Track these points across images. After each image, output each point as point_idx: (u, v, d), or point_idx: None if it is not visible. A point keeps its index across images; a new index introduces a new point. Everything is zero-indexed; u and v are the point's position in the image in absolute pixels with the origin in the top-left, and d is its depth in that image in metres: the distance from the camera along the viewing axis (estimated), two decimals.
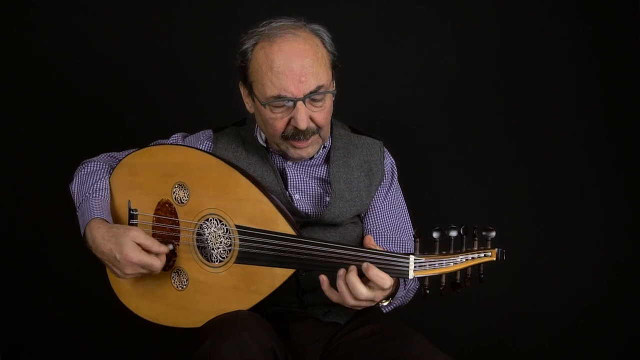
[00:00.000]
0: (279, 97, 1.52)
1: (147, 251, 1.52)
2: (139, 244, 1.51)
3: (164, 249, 1.55)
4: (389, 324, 1.60)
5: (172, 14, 2.46)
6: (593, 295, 2.55)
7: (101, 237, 1.54)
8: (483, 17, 2.49)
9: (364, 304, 1.41)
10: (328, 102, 1.58)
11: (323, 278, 1.42)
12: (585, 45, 2.51)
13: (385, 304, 1.50)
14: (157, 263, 1.53)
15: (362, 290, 1.37)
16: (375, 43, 2.50)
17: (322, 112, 1.57)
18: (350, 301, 1.39)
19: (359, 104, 2.42)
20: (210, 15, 2.46)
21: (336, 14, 2.44)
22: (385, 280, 1.36)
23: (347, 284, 1.38)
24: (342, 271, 1.39)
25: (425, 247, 1.37)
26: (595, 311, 2.55)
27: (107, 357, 2.54)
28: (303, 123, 1.53)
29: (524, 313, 2.58)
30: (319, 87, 1.53)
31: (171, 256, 1.61)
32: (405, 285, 1.59)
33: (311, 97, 1.53)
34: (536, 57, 2.50)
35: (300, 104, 1.52)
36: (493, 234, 1.35)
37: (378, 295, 1.39)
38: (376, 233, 1.70)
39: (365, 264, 1.37)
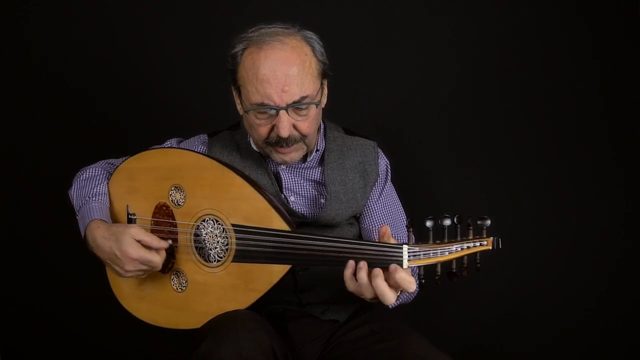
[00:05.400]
0: (262, 105, 1.53)
1: (148, 247, 1.53)
2: (139, 241, 1.52)
3: (163, 244, 1.56)
4: (388, 324, 1.59)
5: (168, 17, 2.49)
6: (593, 294, 2.52)
7: (101, 236, 1.55)
8: (483, 16, 2.49)
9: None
10: (313, 111, 1.58)
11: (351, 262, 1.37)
12: (585, 45, 2.50)
13: None
14: (157, 259, 1.53)
15: (390, 296, 1.33)
16: (374, 43, 2.51)
17: (306, 122, 1.57)
18: (369, 296, 1.36)
19: (358, 103, 2.43)
20: (205, 18, 2.48)
21: (335, 15, 2.46)
22: (412, 284, 1.32)
23: (371, 284, 1.34)
24: (362, 263, 1.35)
25: (420, 238, 1.36)
26: (595, 310, 2.52)
27: (107, 358, 2.54)
28: (285, 131, 1.54)
29: (523, 312, 2.55)
30: (303, 98, 1.53)
31: (170, 258, 1.62)
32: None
33: (294, 106, 1.53)
34: (536, 57, 2.49)
35: (282, 112, 1.52)
36: (488, 222, 1.33)
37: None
38: (375, 232, 1.70)
39: (393, 266, 1.33)
